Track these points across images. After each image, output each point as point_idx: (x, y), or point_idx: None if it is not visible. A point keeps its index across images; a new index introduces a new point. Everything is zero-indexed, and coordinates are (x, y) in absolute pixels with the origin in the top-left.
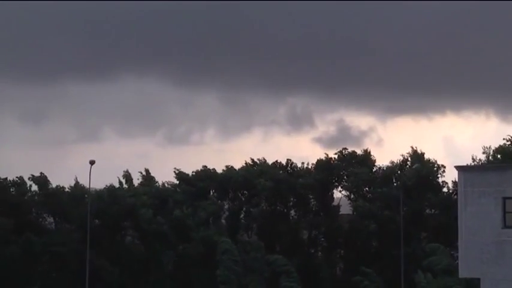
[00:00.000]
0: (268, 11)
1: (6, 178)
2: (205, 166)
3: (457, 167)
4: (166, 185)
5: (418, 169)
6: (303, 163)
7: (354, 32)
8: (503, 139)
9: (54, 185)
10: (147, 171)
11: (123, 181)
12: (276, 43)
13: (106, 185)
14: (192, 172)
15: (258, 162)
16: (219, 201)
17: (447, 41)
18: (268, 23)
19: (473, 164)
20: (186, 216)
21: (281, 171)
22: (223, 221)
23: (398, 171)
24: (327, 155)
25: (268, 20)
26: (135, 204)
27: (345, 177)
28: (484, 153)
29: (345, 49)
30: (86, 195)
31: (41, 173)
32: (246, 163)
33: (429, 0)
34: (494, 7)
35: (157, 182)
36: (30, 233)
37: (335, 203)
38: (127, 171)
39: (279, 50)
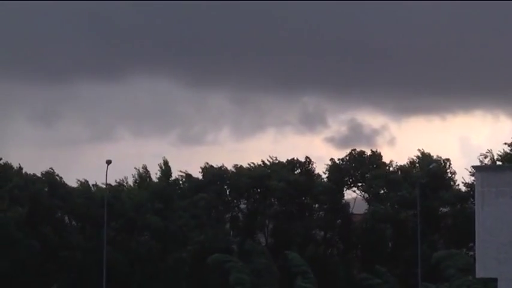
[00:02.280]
0: (280, 10)
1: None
2: (221, 166)
3: (474, 167)
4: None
5: (435, 168)
6: (314, 163)
7: (366, 32)
8: (505, 143)
9: (69, 184)
10: (165, 163)
11: (138, 178)
12: (287, 43)
13: (118, 183)
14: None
15: (270, 162)
16: (234, 201)
17: (459, 40)
18: (280, 22)
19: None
20: (199, 216)
21: (294, 172)
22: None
23: (413, 171)
24: (342, 159)
25: (280, 20)
26: (147, 202)
27: (358, 178)
28: (486, 157)
29: (357, 48)
30: (101, 193)
31: (51, 168)
32: (262, 161)
33: (442, 0)
34: (508, 6)
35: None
36: (46, 227)
37: (345, 202)
38: (145, 167)
39: (290, 49)
